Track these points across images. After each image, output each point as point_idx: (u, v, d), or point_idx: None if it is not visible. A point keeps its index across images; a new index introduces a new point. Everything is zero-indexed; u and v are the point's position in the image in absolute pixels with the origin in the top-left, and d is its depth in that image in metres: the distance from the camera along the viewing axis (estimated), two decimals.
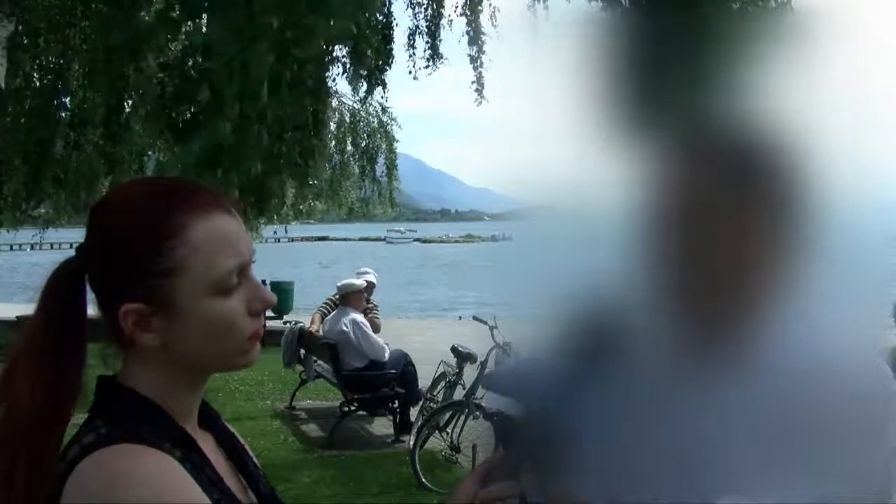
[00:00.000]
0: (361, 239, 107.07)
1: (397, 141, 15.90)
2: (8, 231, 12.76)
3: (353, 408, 7.45)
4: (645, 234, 1.13)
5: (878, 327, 1.19)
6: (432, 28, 9.60)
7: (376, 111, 15.19)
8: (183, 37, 7.47)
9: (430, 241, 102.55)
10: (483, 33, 9.34)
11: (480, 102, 9.42)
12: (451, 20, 9.60)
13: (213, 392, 8.52)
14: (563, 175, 1.27)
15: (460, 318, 15.69)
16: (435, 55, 9.66)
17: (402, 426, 7.29)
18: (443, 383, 7.26)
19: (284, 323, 9.70)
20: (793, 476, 1.00)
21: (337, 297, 8.00)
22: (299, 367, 8.47)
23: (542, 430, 1.21)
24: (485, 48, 9.35)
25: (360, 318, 7.54)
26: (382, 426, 7.75)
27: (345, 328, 7.40)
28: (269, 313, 1.11)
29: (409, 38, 9.63)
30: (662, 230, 1.12)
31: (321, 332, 7.76)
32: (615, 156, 1.22)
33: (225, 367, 1.08)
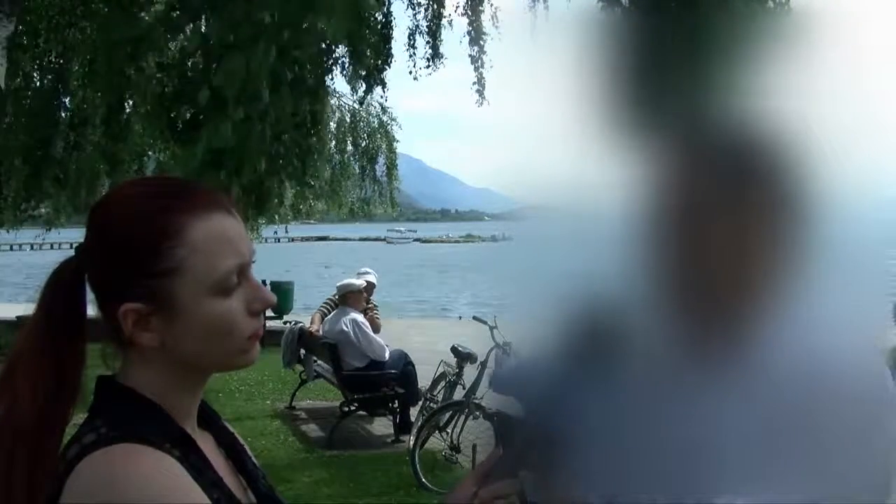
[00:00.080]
0: (361, 239, 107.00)
1: (397, 141, 15.94)
2: (7, 231, 12.76)
3: (353, 408, 7.45)
4: (644, 235, 1.14)
5: (878, 327, 1.19)
6: (433, 28, 9.60)
7: (376, 111, 15.22)
8: (181, 37, 7.46)
9: (430, 241, 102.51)
10: (484, 33, 9.35)
11: (481, 103, 9.42)
12: (452, 20, 9.60)
13: (213, 392, 8.53)
14: (563, 175, 1.27)
15: (460, 318, 15.69)
16: (435, 55, 9.66)
17: (402, 426, 7.29)
18: (443, 383, 7.26)
19: (284, 323, 9.70)
20: (791, 476, 1.01)
21: (337, 297, 8.01)
22: (299, 367, 8.47)
23: (541, 429, 1.21)
24: (486, 48, 9.35)
25: (360, 317, 7.54)
26: (382, 426, 7.75)
27: (345, 328, 7.41)
28: (269, 313, 1.11)
29: (409, 38, 9.64)
30: (662, 230, 1.12)
31: (321, 332, 7.76)
32: (615, 156, 1.22)
33: (224, 367, 1.08)
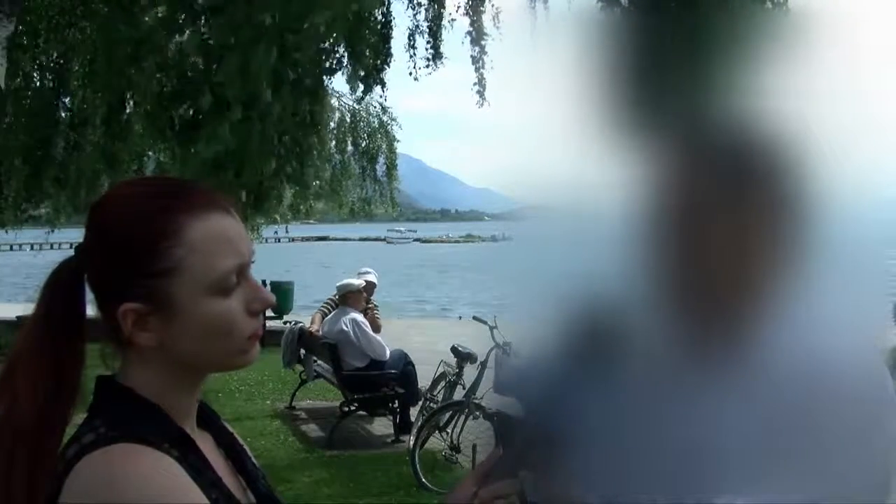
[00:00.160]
0: (361, 239, 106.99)
1: (397, 141, 15.93)
2: (7, 232, 12.76)
3: (353, 408, 7.45)
4: (644, 235, 1.14)
5: (878, 327, 1.19)
6: (433, 28, 9.59)
7: (376, 111, 15.21)
8: (182, 38, 7.46)
9: (430, 241, 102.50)
10: (486, 34, 9.33)
11: (482, 104, 9.40)
12: (453, 20, 9.59)
13: (213, 392, 8.53)
14: (563, 175, 1.27)
15: (460, 318, 15.68)
16: (436, 55, 9.65)
17: (402, 426, 7.29)
18: (443, 383, 7.26)
19: (284, 323, 9.70)
20: (791, 476, 1.01)
21: (336, 296, 8.00)
22: (299, 367, 8.47)
23: (541, 429, 1.21)
24: (487, 49, 9.34)
25: (359, 317, 7.54)
26: (382, 426, 7.75)
27: (345, 328, 7.40)
28: (269, 313, 1.11)
29: (409, 38, 9.62)
30: (662, 230, 1.12)
31: (321, 332, 7.76)
32: (615, 156, 1.22)
33: (224, 367, 1.08)
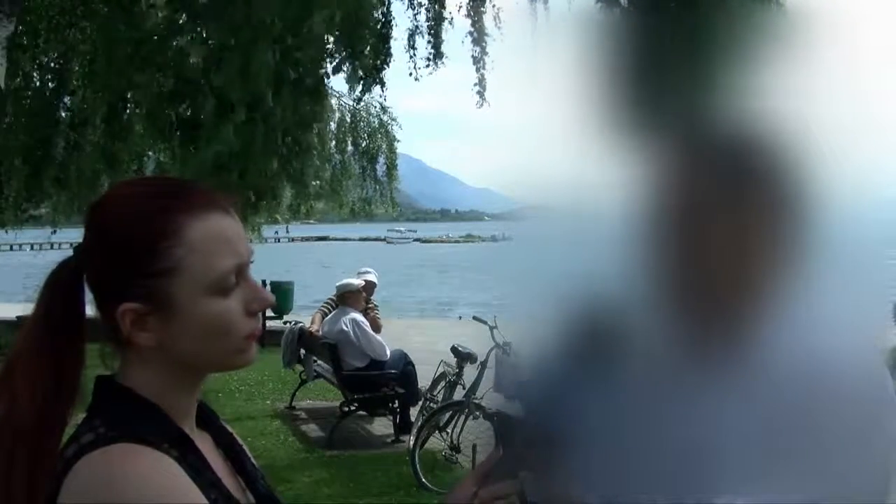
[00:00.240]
0: (361, 239, 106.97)
1: (398, 141, 15.92)
2: (6, 232, 12.75)
3: (353, 408, 7.45)
4: (644, 235, 1.14)
5: (878, 327, 1.19)
6: (434, 28, 9.57)
7: (376, 111, 15.21)
8: (182, 40, 7.46)
9: (430, 241, 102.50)
10: (487, 34, 9.32)
11: (482, 104, 9.39)
12: (453, 19, 9.58)
13: (213, 392, 8.53)
14: (563, 175, 1.27)
15: (460, 318, 15.67)
16: (437, 54, 9.64)
17: (402, 426, 7.29)
18: (443, 383, 7.26)
19: (284, 323, 9.70)
20: (791, 476, 1.01)
21: (336, 296, 8.00)
22: (299, 367, 8.47)
23: (541, 429, 1.21)
24: (487, 49, 9.33)
25: (359, 317, 7.54)
26: (382, 426, 7.75)
27: (344, 328, 7.40)
28: (269, 313, 1.12)
29: (409, 38, 9.62)
30: (662, 230, 1.12)
31: (321, 332, 7.76)
32: (615, 156, 1.22)
33: (222, 367, 1.08)
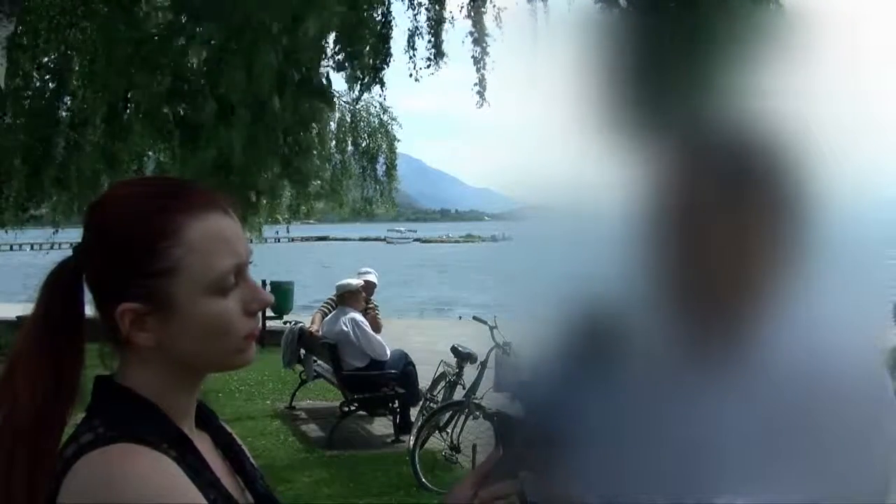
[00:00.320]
0: (361, 239, 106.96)
1: (398, 141, 15.93)
2: (6, 232, 12.75)
3: (353, 408, 7.45)
4: (644, 235, 1.14)
5: (878, 327, 1.19)
6: (434, 27, 9.57)
7: (376, 111, 15.22)
8: (182, 41, 7.46)
9: (430, 241, 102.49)
10: (487, 34, 9.32)
11: (482, 105, 9.39)
12: (454, 19, 9.57)
13: (213, 392, 8.54)
14: (563, 175, 1.27)
15: (460, 318, 15.67)
16: (437, 54, 9.63)
17: (402, 426, 7.29)
18: (443, 383, 7.26)
19: (284, 323, 9.70)
20: (790, 476, 1.01)
21: (336, 296, 8.00)
22: (299, 367, 8.47)
23: (541, 429, 1.21)
24: (488, 49, 9.33)
25: (359, 317, 7.54)
26: (382, 426, 7.75)
27: (344, 328, 7.40)
28: (269, 313, 1.12)
29: (409, 39, 9.61)
30: (662, 231, 1.12)
31: (321, 332, 7.76)
32: (615, 156, 1.22)
33: (221, 367, 1.08)
